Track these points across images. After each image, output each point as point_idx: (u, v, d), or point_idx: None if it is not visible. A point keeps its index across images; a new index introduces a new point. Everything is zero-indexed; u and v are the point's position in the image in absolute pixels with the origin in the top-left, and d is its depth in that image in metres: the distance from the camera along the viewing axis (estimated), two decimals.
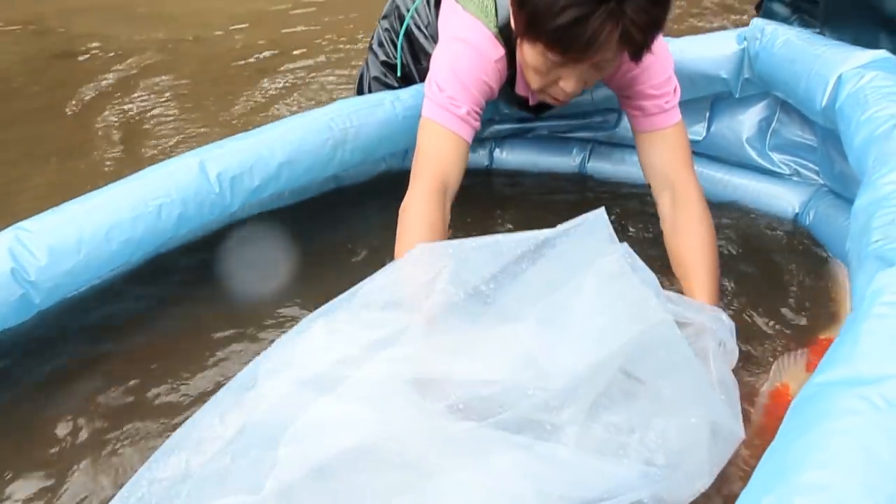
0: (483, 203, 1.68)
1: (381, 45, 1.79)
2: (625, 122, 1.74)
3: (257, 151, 1.40)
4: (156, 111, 2.68)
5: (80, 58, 3.38)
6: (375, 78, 1.78)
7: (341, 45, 3.32)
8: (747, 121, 1.64)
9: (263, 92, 2.76)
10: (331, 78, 2.87)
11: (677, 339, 0.86)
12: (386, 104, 1.58)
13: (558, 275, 0.91)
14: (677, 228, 1.30)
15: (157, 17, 4.12)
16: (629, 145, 1.70)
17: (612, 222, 0.95)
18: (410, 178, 1.32)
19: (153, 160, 1.82)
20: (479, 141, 1.83)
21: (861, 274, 0.77)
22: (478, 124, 1.38)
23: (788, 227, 1.56)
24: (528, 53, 1.25)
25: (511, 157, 1.86)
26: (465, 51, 1.39)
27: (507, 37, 1.39)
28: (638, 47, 1.19)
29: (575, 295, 0.88)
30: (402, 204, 1.28)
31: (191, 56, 3.33)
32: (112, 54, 3.38)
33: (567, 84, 1.26)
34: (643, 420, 0.84)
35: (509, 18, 1.34)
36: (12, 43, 3.73)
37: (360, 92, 1.83)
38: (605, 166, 1.81)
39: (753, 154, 1.64)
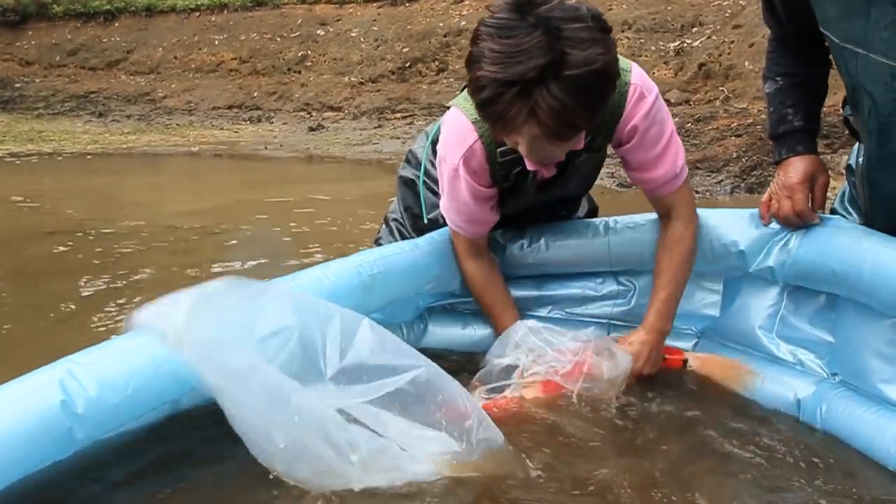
0: None
1: (381, 240, 1.96)
2: (641, 300, 1.75)
3: None
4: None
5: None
6: None
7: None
8: (759, 306, 1.65)
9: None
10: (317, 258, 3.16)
11: None
12: (406, 250, 1.70)
13: None
14: (660, 249, 1.63)
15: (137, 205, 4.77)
16: None
17: None
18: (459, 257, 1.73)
19: None
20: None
21: None
22: (497, 211, 1.67)
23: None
24: None
25: None
26: (451, 181, 1.59)
27: None
28: (550, 130, 1.25)
29: None
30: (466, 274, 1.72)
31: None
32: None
33: (523, 150, 1.35)
34: None
35: None
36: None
37: None
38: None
39: (764, 340, 1.62)
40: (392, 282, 1.63)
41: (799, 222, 1.51)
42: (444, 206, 1.66)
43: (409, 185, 1.93)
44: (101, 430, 1.15)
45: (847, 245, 1.43)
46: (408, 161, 1.96)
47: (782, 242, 1.56)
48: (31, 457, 1.07)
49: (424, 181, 1.84)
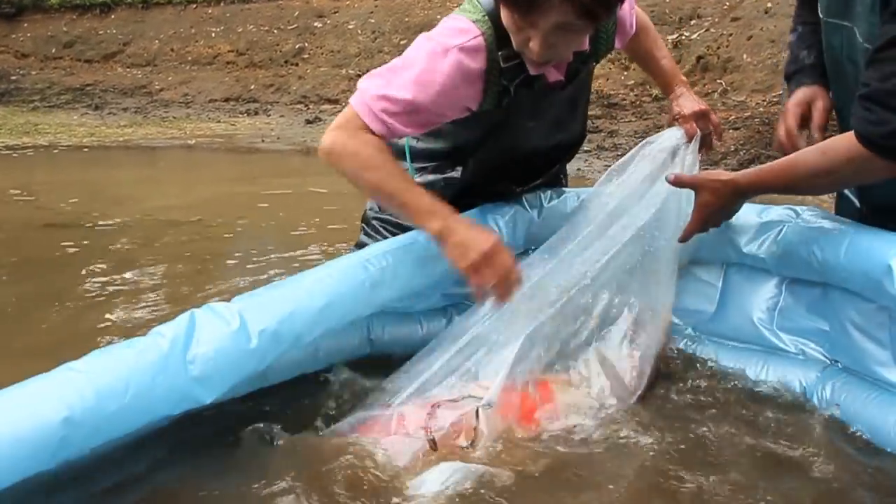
0: None
1: (366, 242, 1.80)
2: None
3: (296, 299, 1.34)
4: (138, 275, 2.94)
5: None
6: None
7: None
8: (757, 299, 1.65)
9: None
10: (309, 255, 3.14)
11: None
12: (420, 240, 1.58)
13: None
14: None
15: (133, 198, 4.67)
16: None
17: None
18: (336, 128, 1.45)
19: None
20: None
21: None
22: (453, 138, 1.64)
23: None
24: (502, 13, 1.35)
25: None
26: (430, 56, 1.40)
27: (494, 19, 1.41)
28: (585, 9, 1.24)
29: None
30: (332, 147, 1.43)
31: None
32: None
33: (535, 44, 1.32)
34: None
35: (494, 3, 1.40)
36: None
37: None
38: None
39: (765, 332, 1.62)
40: (403, 273, 1.53)
41: (788, 146, 1.52)
42: (380, 82, 1.41)
43: None
44: (96, 438, 1.10)
45: (826, 233, 1.46)
46: None
47: (775, 233, 1.56)
48: (25, 464, 1.03)
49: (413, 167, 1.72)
